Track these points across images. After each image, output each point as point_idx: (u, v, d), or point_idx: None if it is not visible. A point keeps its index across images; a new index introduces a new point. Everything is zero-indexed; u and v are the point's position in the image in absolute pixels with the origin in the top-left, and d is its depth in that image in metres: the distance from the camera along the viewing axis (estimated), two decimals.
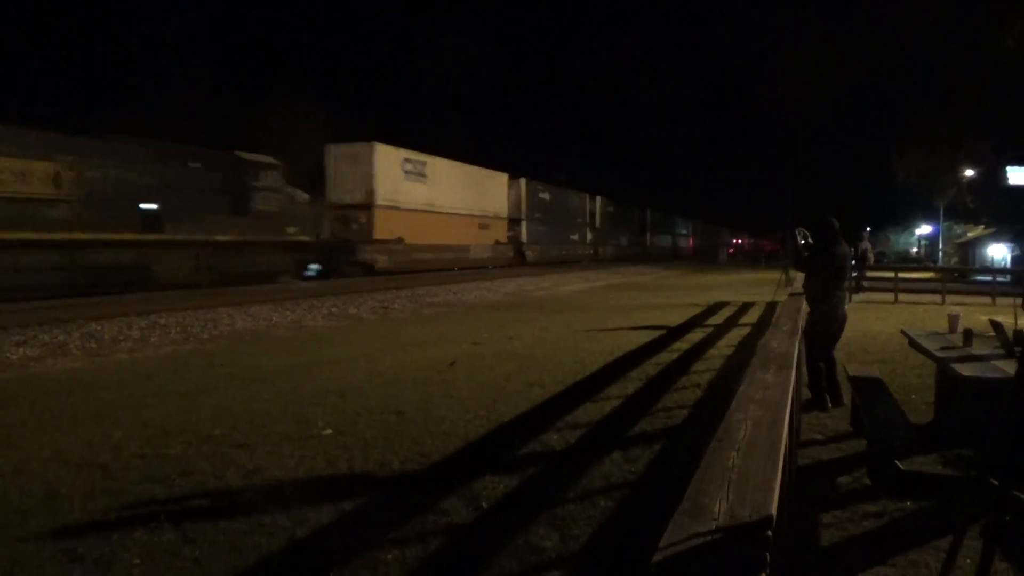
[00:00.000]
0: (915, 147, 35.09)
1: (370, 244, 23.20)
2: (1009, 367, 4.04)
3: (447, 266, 27.56)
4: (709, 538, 1.17)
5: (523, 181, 34.60)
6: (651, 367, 7.91)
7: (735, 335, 10.68)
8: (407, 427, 5.31)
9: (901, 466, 4.07)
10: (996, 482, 2.03)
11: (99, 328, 10.39)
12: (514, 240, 34.28)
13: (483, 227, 31.51)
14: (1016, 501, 1.96)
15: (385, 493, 4.05)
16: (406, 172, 25.25)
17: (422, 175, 26.23)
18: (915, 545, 3.28)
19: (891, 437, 3.95)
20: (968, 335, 5.13)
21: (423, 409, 5.86)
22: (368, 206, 23.24)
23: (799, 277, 7.38)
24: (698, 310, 14.67)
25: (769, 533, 1.20)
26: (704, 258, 60.28)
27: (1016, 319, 5.00)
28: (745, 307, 15.25)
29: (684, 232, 72.72)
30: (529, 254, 35.18)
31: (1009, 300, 14.45)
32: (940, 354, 4.84)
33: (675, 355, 8.79)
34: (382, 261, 23.65)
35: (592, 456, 4.58)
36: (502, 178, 33.67)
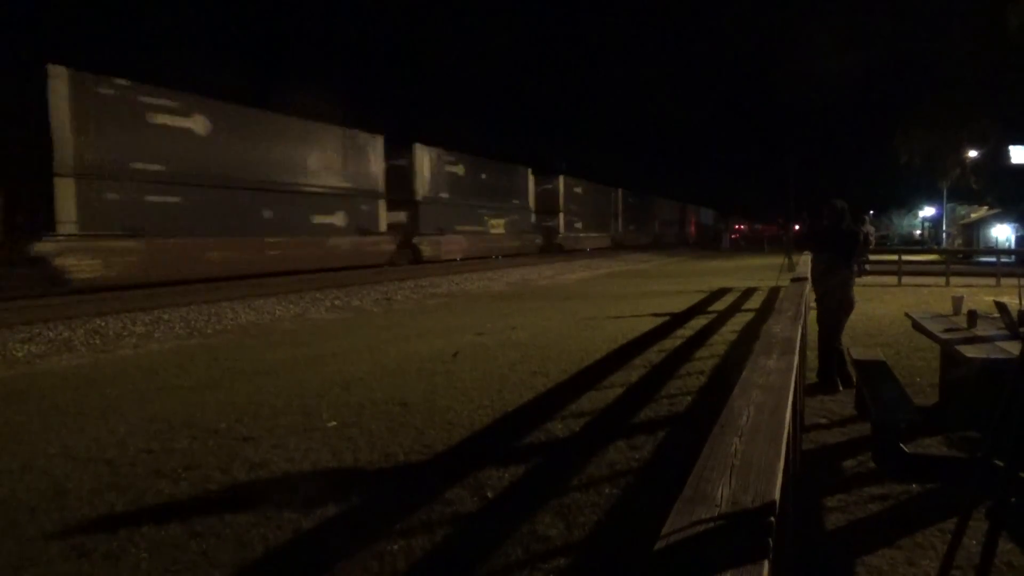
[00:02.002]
0: (918, 128, 34.92)
1: None
2: (1014, 348, 4.02)
3: None
4: (711, 524, 1.16)
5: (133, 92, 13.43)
6: (654, 354, 7.91)
7: (738, 320, 10.67)
8: (412, 418, 5.33)
9: (906, 449, 4.07)
10: (1001, 464, 2.03)
11: (103, 324, 10.43)
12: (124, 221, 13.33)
13: None
14: (1021, 482, 1.95)
15: (391, 484, 4.07)
16: None
17: None
18: (921, 527, 3.29)
19: (896, 420, 3.94)
20: (972, 317, 5.11)
21: (427, 400, 5.87)
22: None
23: (802, 262, 7.37)
24: (701, 296, 14.66)
25: (772, 519, 1.20)
26: (681, 250, 49.39)
27: (1021, 300, 4.97)
28: (748, 293, 15.22)
29: (647, 216, 53.47)
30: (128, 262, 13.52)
31: (1014, 281, 14.37)
32: (944, 336, 4.83)
33: (678, 342, 8.79)
34: None
35: (597, 444, 4.58)
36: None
